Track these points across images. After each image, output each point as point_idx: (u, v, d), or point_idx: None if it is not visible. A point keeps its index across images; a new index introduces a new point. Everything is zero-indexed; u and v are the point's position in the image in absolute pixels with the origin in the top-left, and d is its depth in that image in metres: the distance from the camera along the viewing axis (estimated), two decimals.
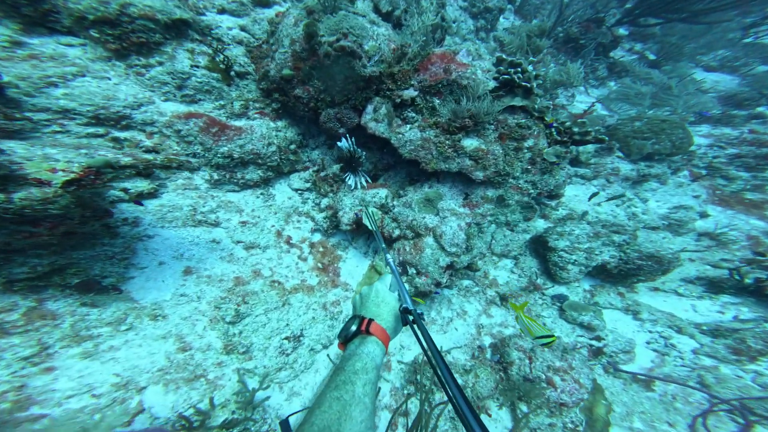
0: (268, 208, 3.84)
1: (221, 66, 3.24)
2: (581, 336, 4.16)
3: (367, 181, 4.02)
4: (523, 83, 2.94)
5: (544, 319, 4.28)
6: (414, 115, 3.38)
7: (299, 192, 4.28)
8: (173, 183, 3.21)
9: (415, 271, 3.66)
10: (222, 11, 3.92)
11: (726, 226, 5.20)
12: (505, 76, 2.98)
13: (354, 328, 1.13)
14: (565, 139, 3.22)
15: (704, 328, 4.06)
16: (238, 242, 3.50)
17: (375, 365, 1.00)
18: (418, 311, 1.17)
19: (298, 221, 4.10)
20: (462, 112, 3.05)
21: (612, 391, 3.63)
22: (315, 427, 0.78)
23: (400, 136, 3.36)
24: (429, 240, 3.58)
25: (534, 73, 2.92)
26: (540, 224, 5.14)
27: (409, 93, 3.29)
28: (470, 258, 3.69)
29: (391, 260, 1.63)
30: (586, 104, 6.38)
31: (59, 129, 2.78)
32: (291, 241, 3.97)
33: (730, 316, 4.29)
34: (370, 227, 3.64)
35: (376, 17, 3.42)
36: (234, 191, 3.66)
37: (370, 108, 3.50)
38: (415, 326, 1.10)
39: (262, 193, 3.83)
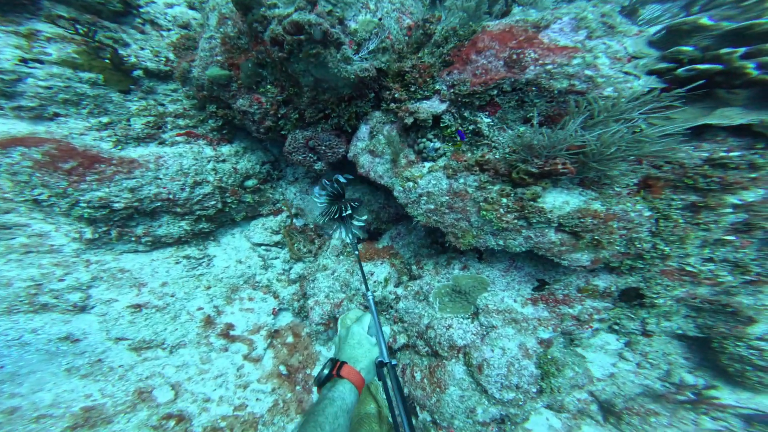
0: (194, 279, 2.40)
1: (105, 61, 1.88)
2: None
3: (359, 238, 2.51)
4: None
5: None
6: (438, 144, 1.83)
7: (265, 248, 2.83)
8: (2, 243, 1.84)
9: (429, 418, 2.05)
10: None
11: None
12: (701, 66, 1.33)
13: (326, 372, 1.12)
14: None
15: None
16: (120, 339, 2.05)
17: (346, 409, 0.99)
18: (393, 362, 1.19)
19: (251, 299, 2.63)
20: (552, 144, 1.46)
21: None
22: None
23: (411, 184, 1.82)
24: (456, 368, 1.98)
25: None
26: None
27: (430, 107, 1.76)
28: (548, 401, 2.02)
29: (371, 299, 1.52)
30: None
31: None
32: (232, 333, 2.49)
33: None
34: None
35: None
36: (137, 252, 2.25)
37: (364, 130, 2.01)
38: (388, 380, 1.15)
39: (186, 257, 2.39)
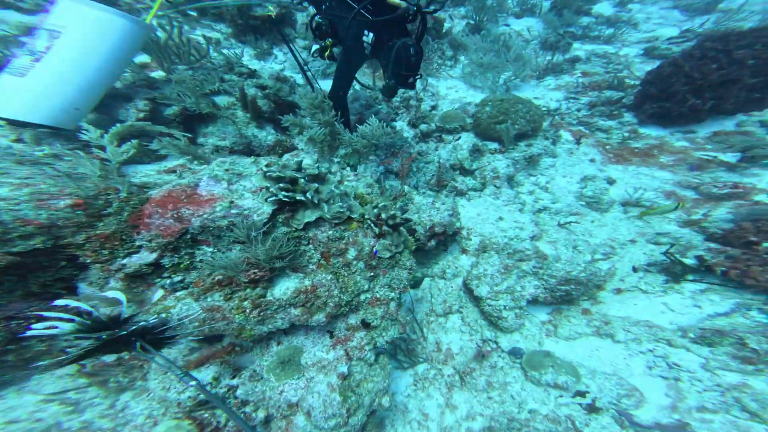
0: None
1: None
2: (560, 396, 3.14)
3: None
4: (298, 197, 1.73)
5: (511, 387, 3.18)
6: (180, 277, 2.10)
7: None
8: None
9: None
10: None
11: (637, 188, 4.38)
12: (273, 197, 1.75)
13: None
14: (385, 229, 2.26)
15: (691, 335, 3.18)
16: None
17: None
18: None
19: None
20: (235, 266, 1.82)
21: None
22: None
23: (164, 315, 2.08)
24: (300, 421, 2.41)
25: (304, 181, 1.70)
26: (464, 262, 4.09)
27: (143, 259, 1.99)
28: (364, 417, 2.53)
29: None
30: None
31: None
32: None
33: (710, 310, 3.42)
34: None
35: None
36: None
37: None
38: None
39: None
